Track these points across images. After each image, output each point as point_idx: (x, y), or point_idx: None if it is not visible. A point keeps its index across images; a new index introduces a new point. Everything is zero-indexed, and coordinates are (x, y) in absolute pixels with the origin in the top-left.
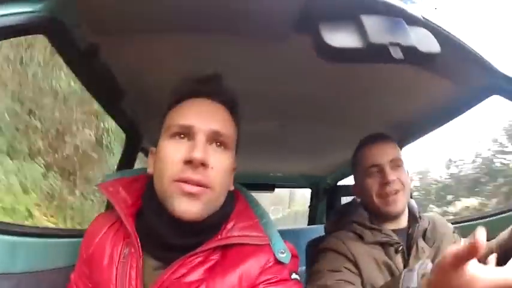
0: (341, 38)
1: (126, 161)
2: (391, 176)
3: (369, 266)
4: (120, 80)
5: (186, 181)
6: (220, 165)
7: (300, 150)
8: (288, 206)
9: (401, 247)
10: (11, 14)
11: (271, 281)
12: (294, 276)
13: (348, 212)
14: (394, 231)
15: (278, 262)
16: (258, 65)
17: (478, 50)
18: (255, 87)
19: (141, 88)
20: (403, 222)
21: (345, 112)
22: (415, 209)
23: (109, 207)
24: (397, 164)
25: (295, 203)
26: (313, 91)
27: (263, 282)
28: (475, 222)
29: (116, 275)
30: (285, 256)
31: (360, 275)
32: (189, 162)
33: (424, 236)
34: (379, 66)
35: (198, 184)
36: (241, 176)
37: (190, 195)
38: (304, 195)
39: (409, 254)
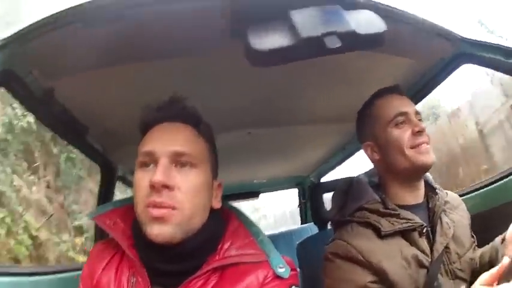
0: (270, 40)
1: (105, 193)
2: (422, 125)
3: (393, 269)
4: (80, 117)
5: (153, 205)
6: (187, 184)
7: (276, 153)
8: None
9: (425, 228)
10: None
11: None
12: None
13: (354, 195)
14: (413, 207)
15: (277, 277)
16: (208, 79)
17: (434, 20)
18: (212, 101)
19: (103, 120)
20: (420, 194)
21: (308, 110)
22: (430, 179)
23: (102, 237)
24: (419, 117)
25: None
26: (270, 94)
27: None
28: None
29: None
30: (284, 271)
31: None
32: (152, 186)
33: (445, 210)
34: (330, 57)
35: (164, 206)
36: (224, 188)
37: (158, 219)
38: None
39: (434, 233)
